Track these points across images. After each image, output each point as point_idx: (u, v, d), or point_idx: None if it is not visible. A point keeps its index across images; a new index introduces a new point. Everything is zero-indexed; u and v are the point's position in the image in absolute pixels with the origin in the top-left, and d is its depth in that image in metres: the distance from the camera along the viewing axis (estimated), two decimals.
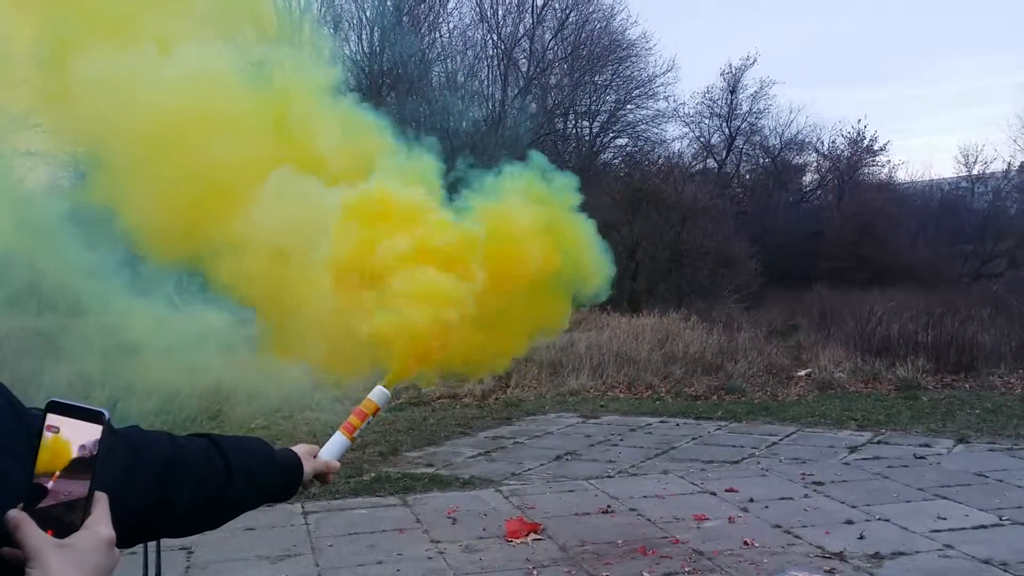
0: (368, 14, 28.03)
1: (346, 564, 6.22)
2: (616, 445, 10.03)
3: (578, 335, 15.66)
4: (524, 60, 32.27)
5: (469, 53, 31.32)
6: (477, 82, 31.65)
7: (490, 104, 31.35)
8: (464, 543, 6.61)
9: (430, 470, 8.81)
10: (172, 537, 1.72)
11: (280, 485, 1.96)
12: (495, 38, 31.79)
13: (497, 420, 11.53)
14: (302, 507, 7.53)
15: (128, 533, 1.54)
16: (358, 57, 28.28)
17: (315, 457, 2.11)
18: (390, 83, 27.29)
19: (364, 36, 28.43)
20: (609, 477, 8.58)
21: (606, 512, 7.39)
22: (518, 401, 12.78)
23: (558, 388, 13.37)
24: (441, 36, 30.75)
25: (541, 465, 9.05)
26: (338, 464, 2.18)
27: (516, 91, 31.50)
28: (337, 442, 2.23)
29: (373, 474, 8.57)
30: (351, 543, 6.66)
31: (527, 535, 6.71)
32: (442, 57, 30.49)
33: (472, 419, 11.52)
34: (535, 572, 6.01)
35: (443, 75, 30.33)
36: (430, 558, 6.31)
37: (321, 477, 2.12)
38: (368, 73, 27.56)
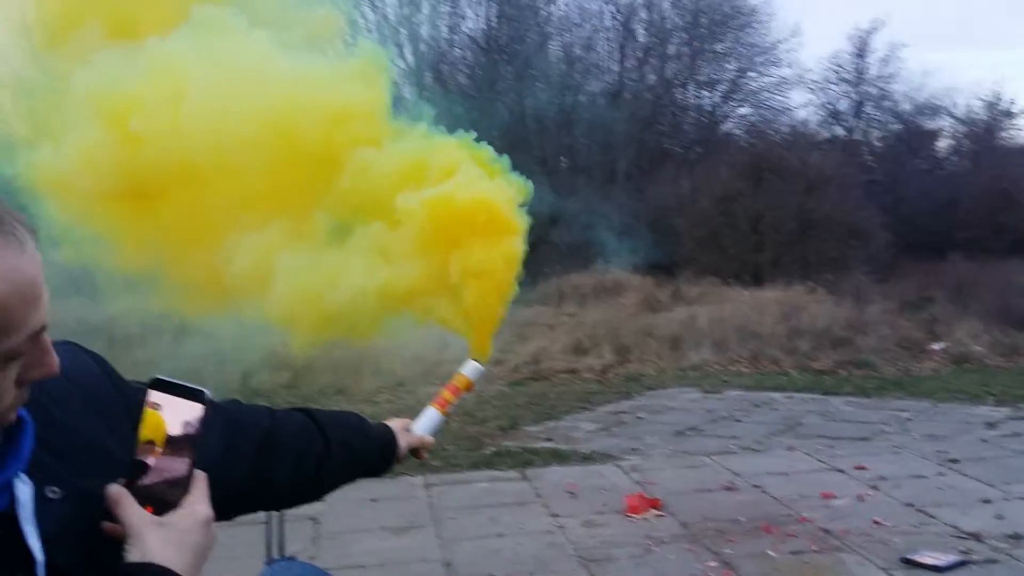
0: None
1: (467, 537, 6.30)
2: (739, 421, 9.83)
3: (699, 309, 15.41)
4: (642, 31, 31.69)
5: (586, 25, 30.98)
6: (594, 54, 31.30)
7: (608, 77, 30.98)
8: (584, 518, 6.60)
9: (550, 444, 8.83)
10: (271, 510, 1.76)
11: (376, 460, 1.97)
12: (613, 9, 31.33)
13: (617, 395, 11.46)
14: (424, 480, 7.67)
15: (228, 507, 1.57)
16: (475, 34, 28.40)
17: (409, 432, 2.11)
18: (507, 58, 27.29)
19: (481, 12, 28.48)
20: (732, 453, 8.42)
21: (728, 489, 7.26)
22: (638, 376, 12.67)
23: (679, 363, 13.20)
24: (558, 9, 30.49)
25: (662, 441, 8.96)
26: (432, 439, 2.17)
27: (634, 63, 30.99)
28: (431, 417, 2.22)
29: (493, 448, 8.65)
30: (472, 516, 6.74)
31: (647, 511, 6.66)
32: (559, 30, 30.26)
33: (592, 394, 11.49)
34: (655, 548, 5.96)
35: (560, 49, 30.11)
36: (550, 532, 6.33)
37: (415, 452, 2.13)
38: (486, 49, 27.64)
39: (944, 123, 34.97)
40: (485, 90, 25.94)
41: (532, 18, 28.46)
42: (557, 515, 6.69)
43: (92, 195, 2.51)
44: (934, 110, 34.29)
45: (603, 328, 14.41)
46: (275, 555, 4.04)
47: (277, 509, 1.80)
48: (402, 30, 26.91)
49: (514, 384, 12.13)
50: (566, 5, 30.97)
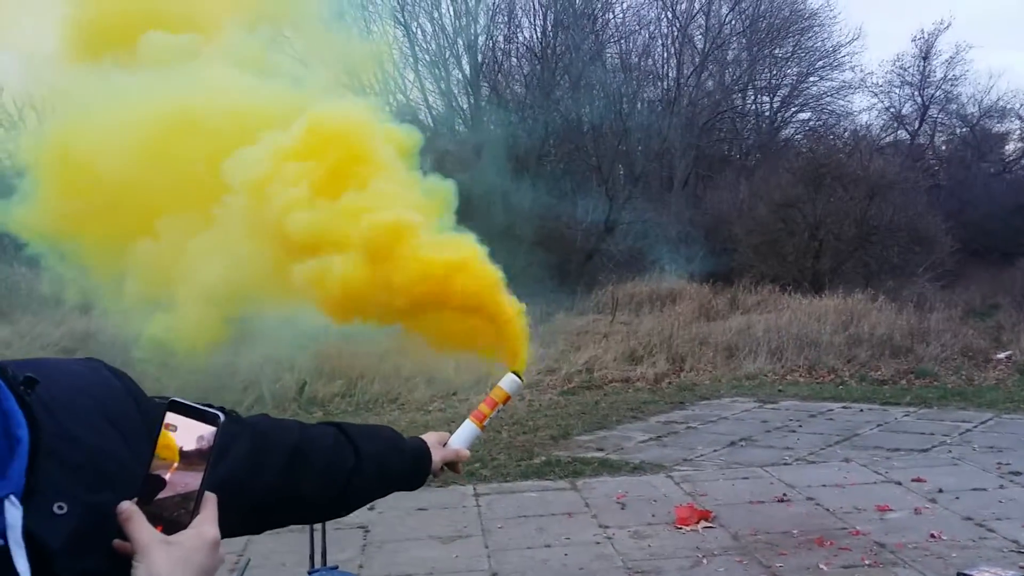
0: None
1: (515, 546, 6.30)
2: (794, 431, 9.68)
3: (755, 317, 15.24)
4: (700, 36, 31.47)
5: (643, 32, 30.86)
6: (651, 61, 31.17)
7: (665, 84, 30.82)
8: (632, 529, 6.55)
9: (600, 454, 8.79)
10: (303, 523, 1.77)
11: (409, 473, 1.98)
12: (669, 15, 31.17)
13: (670, 404, 11.37)
14: (474, 489, 7.69)
15: (256, 520, 1.59)
16: (531, 43, 28.45)
17: (445, 445, 2.12)
18: (563, 67, 27.28)
19: (538, 21, 28.54)
20: (786, 464, 8.29)
21: (782, 501, 7.15)
22: (692, 385, 12.55)
23: (734, 372, 13.05)
24: (615, 16, 30.42)
25: (714, 451, 8.86)
26: (468, 452, 2.17)
27: (692, 69, 30.78)
28: (467, 430, 2.22)
29: (544, 457, 8.64)
30: (520, 526, 6.74)
31: (698, 522, 6.59)
32: (615, 38, 30.19)
33: (644, 403, 11.41)
34: (705, 561, 5.89)
35: (617, 56, 30.03)
36: (598, 543, 6.30)
37: (451, 465, 2.13)
38: (542, 59, 27.68)
39: (1013, 126, 34.12)
40: (541, 99, 25.95)
41: (588, 26, 28.43)
42: (606, 526, 6.65)
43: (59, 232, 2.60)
44: (1002, 112, 33.49)
45: (657, 337, 14.32)
46: (317, 564, 4.08)
47: (309, 523, 1.82)
48: (459, 40, 27.11)
49: (566, 393, 12.11)
50: (622, 12, 30.94)
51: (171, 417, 1.21)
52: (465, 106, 27.97)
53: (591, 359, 13.30)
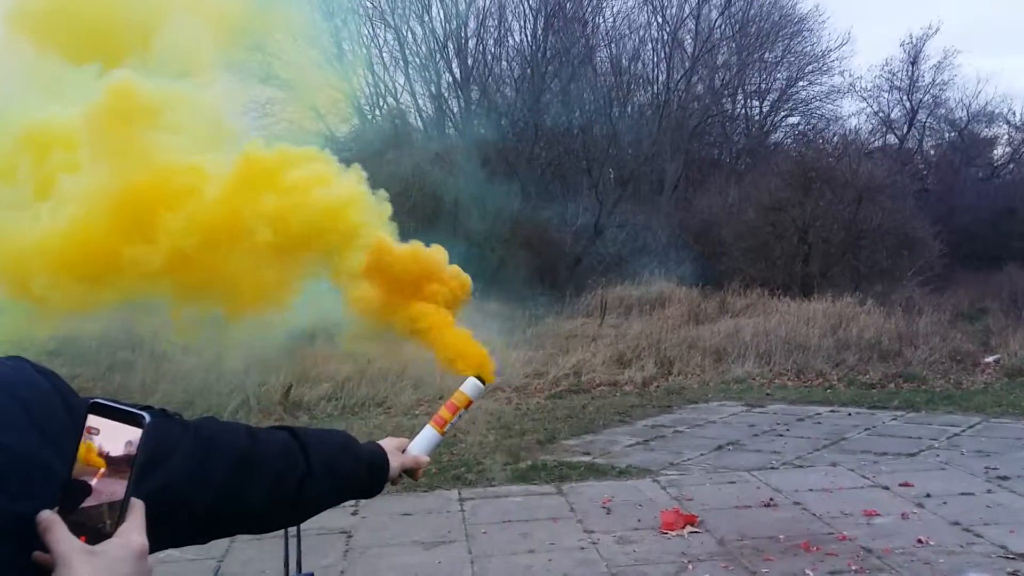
0: (532, 2, 28.09)
1: (499, 552, 6.23)
2: (782, 435, 9.64)
3: (744, 321, 15.21)
4: (690, 40, 31.50)
5: (633, 36, 30.88)
6: (641, 65, 31.18)
7: (655, 88, 30.82)
8: (618, 534, 6.49)
9: (587, 459, 8.72)
10: (250, 532, 1.69)
11: (364, 481, 1.89)
12: (660, 19, 31.21)
13: (658, 408, 11.32)
14: (459, 494, 7.62)
15: (200, 528, 1.51)
16: (522, 46, 28.45)
17: (404, 451, 2.04)
18: (554, 71, 27.26)
19: (528, 25, 28.52)
20: (773, 469, 8.24)
21: (768, 505, 7.10)
22: (680, 389, 12.51)
23: (722, 376, 13.01)
24: (604, 20, 30.44)
25: (701, 455, 8.80)
26: (427, 459, 2.10)
27: (682, 73, 30.80)
28: (427, 436, 2.15)
29: (529, 462, 8.57)
30: (504, 531, 6.67)
31: (683, 527, 6.52)
32: (606, 42, 30.20)
33: (632, 407, 11.36)
34: (690, 566, 5.83)
35: (607, 60, 30.04)
36: (582, 548, 6.23)
37: (410, 472, 2.05)
38: (532, 62, 27.66)
39: (1000, 130, 34.29)
40: (531, 102, 25.93)
41: (578, 30, 28.42)
42: (591, 531, 6.58)
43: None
44: (990, 117, 33.67)
45: (646, 341, 14.28)
46: (292, 572, 4.01)
47: (257, 532, 1.73)
48: (450, 44, 27.08)
49: (553, 396, 12.05)
50: (612, 16, 30.96)
51: (93, 420, 1.14)
52: (455, 109, 27.96)
53: (579, 363, 13.25)
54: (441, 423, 2.18)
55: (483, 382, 2.29)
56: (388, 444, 1.98)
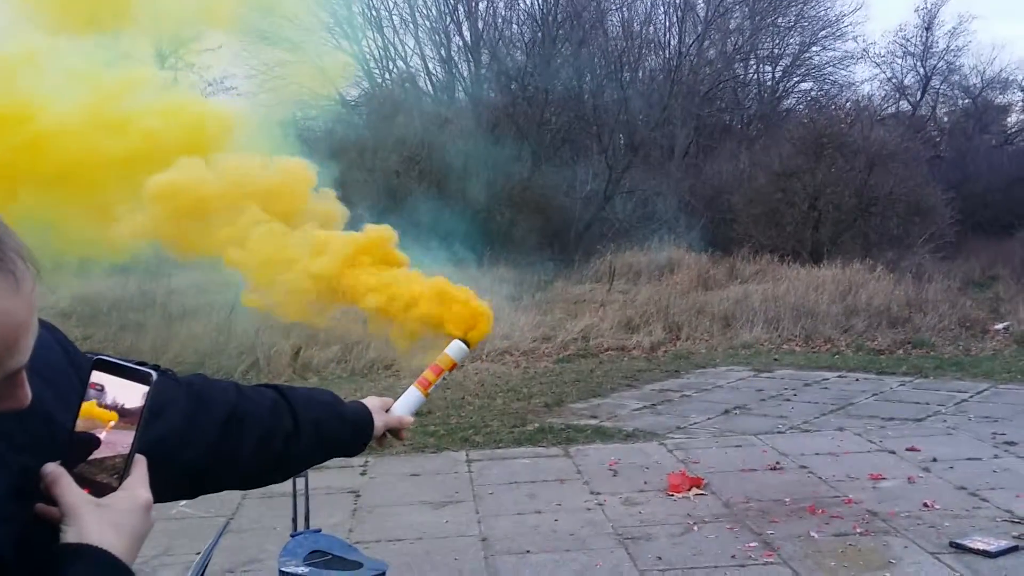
0: None
1: (505, 512, 6.28)
2: (789, 400, 9.66)
3: (753, 287, 15.18)
4: (702, 4, 31.11)
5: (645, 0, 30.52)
6: (653, 29, 30.86)
7: (667, 52, 30.53)
8: (624, 495, 6.53)
9: (594, 422, 8.77)
10: (237, 488, 1.70)
11: (349, 440, 1.90)
12: None
13: (665, 373, 11.34)
14: (466, 455, 7.67)
15: (189, 484, 1.53)
16: (533, 10, 28.17)
17: (388, 411, 2.05)
18: (564, 34, 27.02)
19: None
20: (779, 433, 8.27)
21: (774, 469, 7.13)
22: (688, 354, 12.53)
23: (730, 341, 13.02)
24: None
25: (708, 419, 8.83)
26: (411, 419, 2.10)
27: (694, 37, 30.47)
28: (411, 396, 2.16)
29: (537, 424, 8.61)
30: (511, 492, 6.72)
31: (689, 489, 6.56)
32: (617, 5, 29.88)
33: (639, 371, 11.39)
34: (695, 527, 5.87)
35: (619, 24, 29.74)
36: (589, 509, 6.28)
37: (394, 432, 2.06)
38: (542, 25, 27.41)
39: (1015, 97, 33.93)
40: (542, 67, 25.72)
41: None
42: (598, 492, 6.63)
43: None
44: (1004, 84, 33.30)
45: (654, 306, 14.28)
46: (300, 527, 4.05)
47: (243, 488, 1.75)
48: (460, 7, 26.85)
49: (561, 361, 12.08)
50: None
51: (97, 376, 1.15)
52: (465, 73, 27.78)
53: (587, 327, 13.26)
54: (425, 384, 2.20)
55: (468, 346, 2.32)
56: (372, 403, 1.98)
